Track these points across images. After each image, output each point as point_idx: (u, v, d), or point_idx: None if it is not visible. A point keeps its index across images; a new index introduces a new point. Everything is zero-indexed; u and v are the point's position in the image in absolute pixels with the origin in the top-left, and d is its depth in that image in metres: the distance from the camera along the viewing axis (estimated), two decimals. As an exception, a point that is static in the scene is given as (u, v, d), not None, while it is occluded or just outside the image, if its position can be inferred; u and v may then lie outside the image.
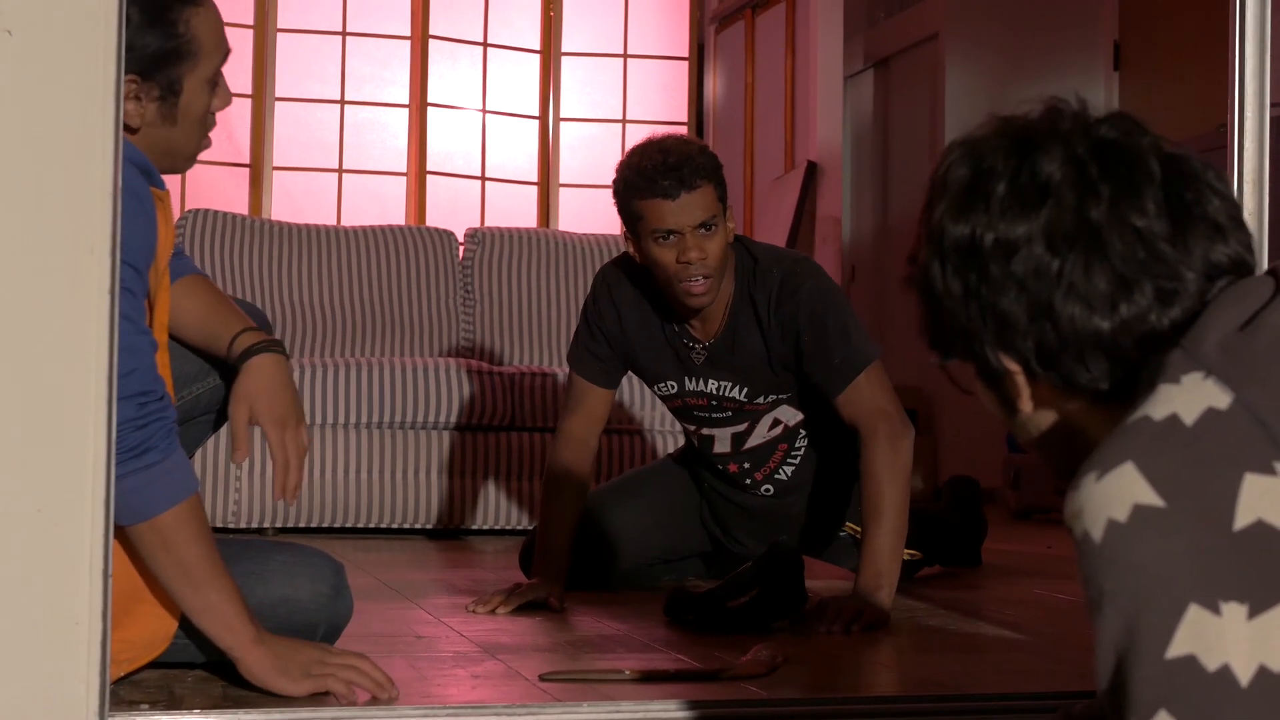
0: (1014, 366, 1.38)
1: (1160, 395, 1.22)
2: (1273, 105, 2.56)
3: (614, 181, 3.38)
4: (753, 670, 2.50)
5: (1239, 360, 1.21)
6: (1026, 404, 1.41)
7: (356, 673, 2.20)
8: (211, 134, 2.39)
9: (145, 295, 2.19)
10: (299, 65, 7.16)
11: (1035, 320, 1.34)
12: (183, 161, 2.34)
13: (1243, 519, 1.16)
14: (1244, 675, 1.13)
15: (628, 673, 2.44)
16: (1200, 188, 1.35)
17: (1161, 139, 1.37)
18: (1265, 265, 2.50)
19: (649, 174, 3.27)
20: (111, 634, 1.93)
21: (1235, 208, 1.36)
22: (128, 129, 2.22)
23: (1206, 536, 1.15)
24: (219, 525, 5.15)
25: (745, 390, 3.52)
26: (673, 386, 3.59)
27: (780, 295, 3.40)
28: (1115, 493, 1.18)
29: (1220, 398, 1.19)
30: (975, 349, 1.40)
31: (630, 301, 3.56)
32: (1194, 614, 1.14)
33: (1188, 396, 1.20)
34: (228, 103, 2.36)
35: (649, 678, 2.44)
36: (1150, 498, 1.17)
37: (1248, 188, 2.52)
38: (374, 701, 2.19)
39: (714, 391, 3.54)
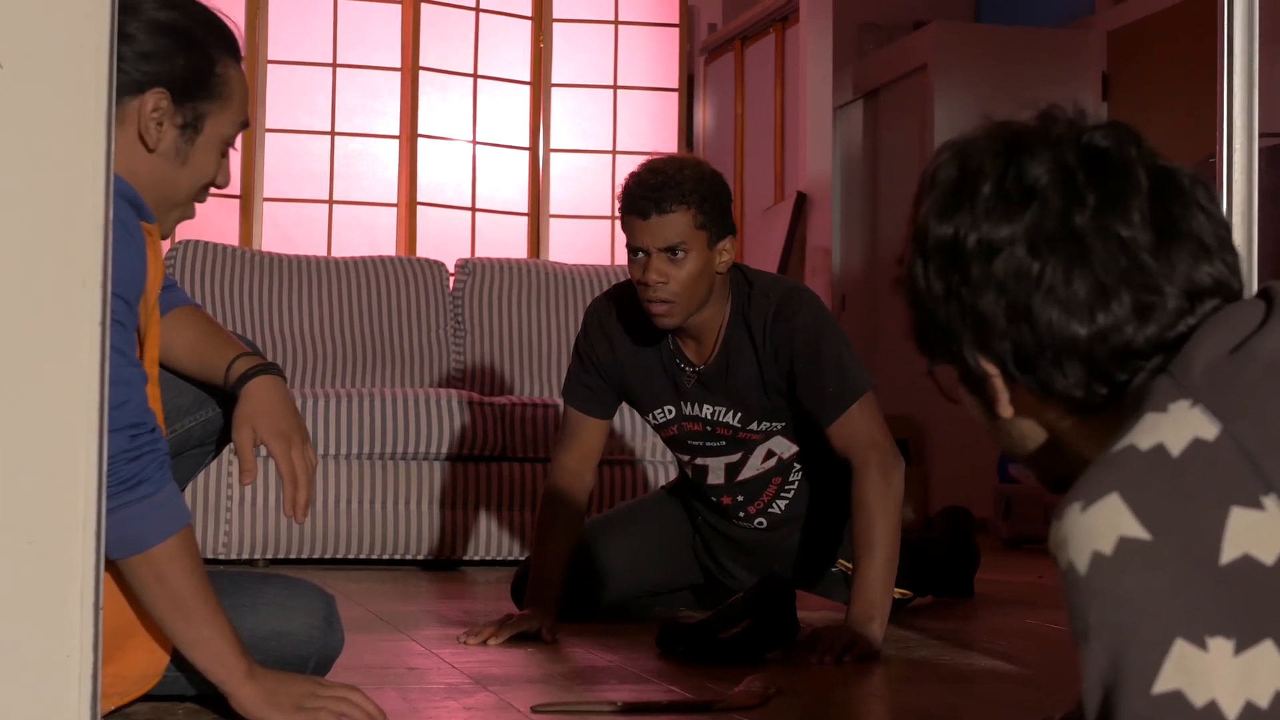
0: (992, 369, 1.38)
1: (1146, 424, 1.21)
2: (1261, 136, 2.56)
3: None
4: (745, 701, 2.49)
5: (1227, 390, 1.21)
6: (1005, 409, 1.40)
7: (349, 705, 2.20)
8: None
9: (135, 328, 2.19)
10: (289, 96, 7.17)
11: (1013, 322, 1.34)
12: (166, 208, 2.30)
13: (1229, 553, 1.15)
14: (1231, 711, 1.12)
15: (619, 704, 2.43)
16: (1188, 203, 1.34)
17: (1154, 152, 1.37)
18: (1254, 289, 2.50)
19: (632, 191, 3.34)
20: (103, 667, 1.92)
21: (1223, 227, 1.35)
22: (144, 146, 2.22)
23: (1192, 571, 1.15)
24: (210, 556, 5.14)
25: (739, 415, 3.53)
26: (670, 411, 3.59)
27: (775, 320, 3.41)
28: (1100, 524, 1.17)
29: (1208, 428, 1.19)
30: (954, 350, 1.39)
31: (624, 329, 3.58)
32: (1180, 649, 1.13)
33: (1174, 426, 1.20)
34: (227, 181, 2.36)
35: (641, 709, 2.43)
36: (1136, 530, 1.16)
37: (1237, 219, 2.53)
38: None
39: (708, 416, 3.55)
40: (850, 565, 3.44)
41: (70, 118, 1.87)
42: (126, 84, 2.20)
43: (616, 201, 3.42)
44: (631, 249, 3.37)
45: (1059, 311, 1.32)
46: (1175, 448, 1.18)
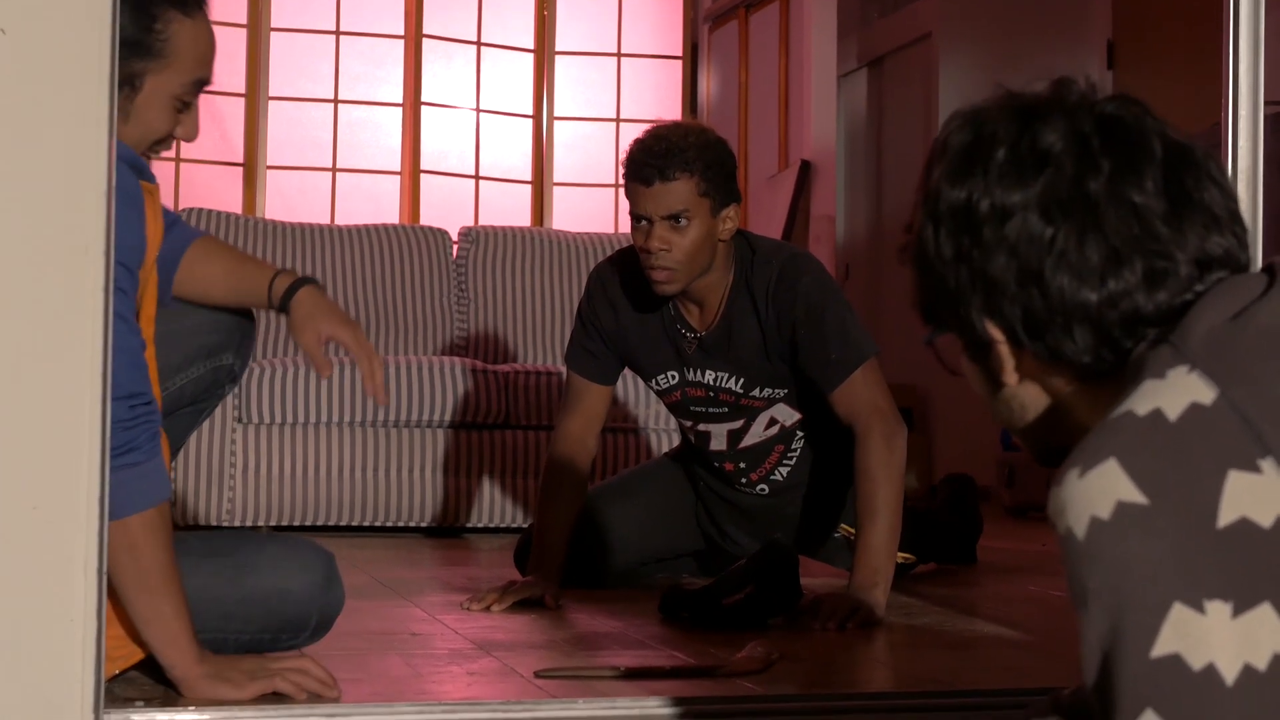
0: (999, 335, 1.37)
1: (1145, 390, 1.21)
2: (1267, 103, 2.56)
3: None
4: (748, 667, 2.50)
5: (1225, 355, 1.21)
6: (1011, 376, 1.40)
7: (302, 675, 2.19)
8: (204, 133, 2.37)
9: (136, 294, 2.19)
10: (293, 64, 7.16)
11: (1024, 287, 1.34)
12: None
13: (1226, 516, 1.15)
14: (1229, 674, 1.13)
15: (623, 669, 2.44)
16: (1200, 175, 1.34)
17: (1167, 124, 1.37)
18: (1259, 262, 2.50)
19: (636, 158, 3.34)
20: (106, 631, 1.93)
21: (1233, 201, 1.36)
22: None
23: (1190, 534, 1.15)
24: (212, 524, 5.15)
25: (741, 381, 3.53)
26: (674, 377, 3.59)
27: (778, 285, 3.41)
28: (1098, 490, 1.18)
29: (1205, 393, 1.19)
30: (962, 315, 1.39)
31: (626, 295, 3.58)
32: (1178, 613, 1.13)
33: (1172, 391, 1.20)
34: (193, 136, 2.33)
35: (644, 674, 2.44)
36: (1133, 495, 1.17)
37: (1242, 186, 2.53)
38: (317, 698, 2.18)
39: (710, 382, 3.55)
40: (853, 531, 3.44)
41: (73, 83, 1.87)
42: None
43: (620, 169, 3.42)
44: (635, 216, 3.37)
45: (1070, 277, 1.32)
46: (1172, 413, 1.19)
